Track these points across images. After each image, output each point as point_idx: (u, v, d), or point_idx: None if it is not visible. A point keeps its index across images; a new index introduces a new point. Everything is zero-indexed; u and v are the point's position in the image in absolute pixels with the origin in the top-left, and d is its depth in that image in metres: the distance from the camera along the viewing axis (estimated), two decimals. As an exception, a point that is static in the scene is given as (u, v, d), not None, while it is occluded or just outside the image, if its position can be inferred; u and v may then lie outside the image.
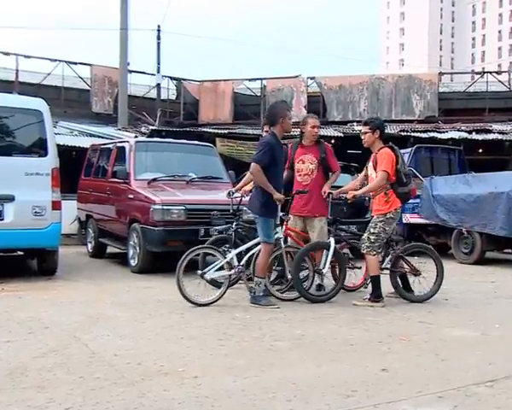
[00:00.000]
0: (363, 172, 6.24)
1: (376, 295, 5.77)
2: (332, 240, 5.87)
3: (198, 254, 6.17)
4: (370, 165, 5.99)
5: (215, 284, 6.06)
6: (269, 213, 5.72)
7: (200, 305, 5.58)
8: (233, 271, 5.80)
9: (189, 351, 3.97)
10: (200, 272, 5.73)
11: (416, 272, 6.10)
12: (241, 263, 5.85)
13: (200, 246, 6.16)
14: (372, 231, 5.81)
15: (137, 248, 7.85)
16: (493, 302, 6.24)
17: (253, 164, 5.72)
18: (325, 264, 5.84)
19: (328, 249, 5.83)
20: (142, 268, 7.84)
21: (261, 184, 5.70)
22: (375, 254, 5.82)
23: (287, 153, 6.57)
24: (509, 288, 7.28)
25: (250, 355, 3.90)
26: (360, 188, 6.12)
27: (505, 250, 10.97)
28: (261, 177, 5.66)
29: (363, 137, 6.04)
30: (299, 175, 6.34)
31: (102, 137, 14.42)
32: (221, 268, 5.79)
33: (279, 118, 5.84)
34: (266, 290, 5.82)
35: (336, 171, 6.45)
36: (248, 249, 5.92)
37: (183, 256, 5.75)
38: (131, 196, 8.23)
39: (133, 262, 8.01)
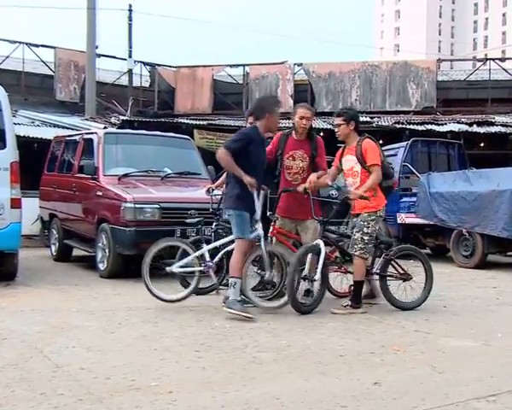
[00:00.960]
0: (333, 167, 6.26)
1: (357, 302, 5.86)
2: (321, 243, 5.83)
3: (166, 249, 6.18)
4: (350, 158, 6.01)
5: (185, 283, 6.24)
6: (242, 206, 5.62)
7: (167, 301, 5.82)
8: (202, 267, 5.91)
9: (163, 364, 3.96)
10: (168, 268, 5.88)
11: (407, 277, 6.14)
12: (214, 260, 5.96)
13: (167, 238, 6.28)
14: (366, 230, 5.81)
15: (107, 251, 7.82)
16: (495, 310, 6.31)
17: (220, 149, 5.74)
18: (317, 269, 5.76)
19: (319, 254, 5.80)
20: (111, 273, 7.80)
21: (229, 168, 5.72)
22: (367, 258, 5.88)
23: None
24: (512, 294, 7.37)
25: (230, 368, 3.90)
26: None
27: (508, 253, 11.11)
28: (227, 160, 5.61)
29: (336, 130, 6.11)
30: (289, 173, 6.25)
31: (68, 128, 14.35)
32: (191, 265, 5.92)
33: (265, 113, 5.81)
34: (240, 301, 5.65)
35: (324, 169, 6.40)
36: (224, 246, 5.98)
37: (149, 249, 5.91)
38: (100, 194, 8.19)
39: (102, 266, 7.97)
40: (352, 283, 6.03)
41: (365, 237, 5.81)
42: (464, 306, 6.44)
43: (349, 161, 6.05)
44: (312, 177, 5.98)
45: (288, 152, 6.25)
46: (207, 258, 5.98)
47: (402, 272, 6.14)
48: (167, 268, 5.92)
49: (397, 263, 6.13)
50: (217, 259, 6.01)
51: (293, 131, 6.34)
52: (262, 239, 5.76)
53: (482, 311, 6.19)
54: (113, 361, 3.99)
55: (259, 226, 5.72)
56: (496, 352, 4.52)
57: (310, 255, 5.78)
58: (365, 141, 5.99)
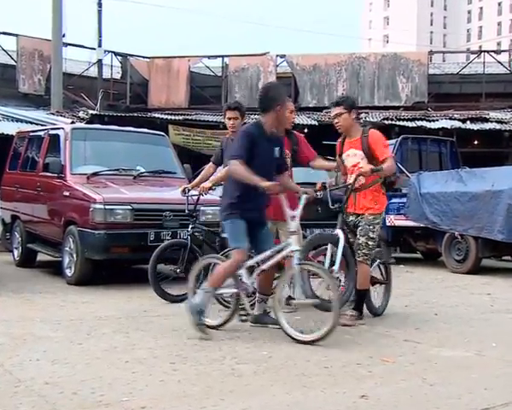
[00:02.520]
0: (334, 164, 6.17)
1: (361, 312, 5.83)
2: (341, 233, 5.54)
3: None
4: (354, 153, 5.77)
5: (225, 303, 5.77)
6: (235, 212, 5.16)
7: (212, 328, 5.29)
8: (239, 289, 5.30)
9: (135, 377, 3.95)
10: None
11: (385, 281, 6.26)
12: (251, 280, 5.28)
13: (212, 256, 5.82)
14: (371, 235, 5.65)
15: (74, 256, 7.77)
16: (490, 318, 6.37)
17: (231, 162, 5.12)
18: (335, 263, 5.46)
19: (337, 244, 5.51)
20: (79, 279, 7.76)
21: (247, 180, 5.00)
22: (370, 264, 5.77)
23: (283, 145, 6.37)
24: (507, 301, 7.45)
25: (208, 381, 3.90)
26: (336, 184, 6.11)
27: (503, 258, 11.24)
28: (242, 171, 5.00)
29: (336, 121, 5.81)
30: None
31: (32, 123, 14.23)
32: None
33: (275, 104, 5.20)
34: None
35: (315, 157, 6.36)
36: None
37: (191, 272, 5.56)
38: (67, 194, 8.15)
39: (69, 272, 7.92)
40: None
41: (370, 243, 5.65)
42: (457, 314, 6.50)
43: (353, 157, 5.81)
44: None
45: None
46: (245, 278, 5.26)
47: (384, 276, 6.22)
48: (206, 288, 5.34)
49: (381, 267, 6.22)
50: (253, 277, 5.32)
51: None
52: (296, 255, 5.09)
53: (476, 319, 6.25)
54: (80, 375, 3.97)
55: (293, 239, 5.15)
56: (490, 363, 4.56)
57: (330, 246, 5.56)
58: (372, 132, 5.74)
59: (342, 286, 5.72)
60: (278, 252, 5.17)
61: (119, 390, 3.67)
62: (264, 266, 5.19)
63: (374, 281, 6.08)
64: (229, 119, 6.84)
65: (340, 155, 5.93)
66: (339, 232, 5.59)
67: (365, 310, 5.96)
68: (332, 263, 5.53)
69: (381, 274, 6.26)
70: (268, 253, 5.16)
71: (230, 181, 5.31)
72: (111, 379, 3.88)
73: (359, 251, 5.67)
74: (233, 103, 7.19)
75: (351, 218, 5.85)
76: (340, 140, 6.03)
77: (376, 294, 6.19)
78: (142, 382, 3.85)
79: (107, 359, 4.39)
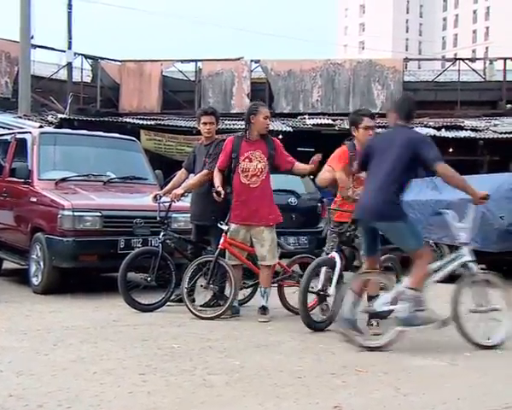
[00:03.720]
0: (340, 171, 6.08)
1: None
2: (337, 256, 5.81)
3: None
4: None
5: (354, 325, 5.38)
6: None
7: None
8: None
9: (103, 389, 3.92)
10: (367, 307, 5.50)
11: None
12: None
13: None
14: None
15: (41, 264, 7.67)
16: (463, 326, 6.43)
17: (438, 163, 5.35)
18: (331, 284, 5.75)
19: (334, 267, 5.79)
20: (46, 288, 7.66)
21: (464, 187, 5.60)
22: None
23: (220, 150, 6.61)
24: (481, 309, 7.52)
25: (178, 392, 3.88)
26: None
27: (478, 266, 11.37)
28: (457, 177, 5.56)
29: (370, 133, 6.07)
30: (246, 176, 6.33)
31: (-2, 127, 14.04)
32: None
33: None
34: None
35: (294, 162, 6.50)
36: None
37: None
38: (34, 200, 8.06)
39: (36, 281, 7.82)
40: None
41: None
42: (431, 323, 6.55)
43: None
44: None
45: (244, 154, 6.34)
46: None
47: None
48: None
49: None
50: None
51: (248, 133, 6.41)
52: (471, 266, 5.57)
53: (449, 328, 6.29)
54: (46, 387, 3.92)
55: (466, 250, 5.58)
56: (463, 372, 4.62)
57: (324, 269, 5.85)
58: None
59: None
60: (450, 262, 5.60)
61: (86, 402, 3.64)
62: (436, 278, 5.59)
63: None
64: (205, 124, 6.88)
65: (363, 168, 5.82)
66: (335, 256, 5.80)
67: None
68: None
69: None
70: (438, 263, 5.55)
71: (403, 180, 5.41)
72: (78, 391, 3.85)
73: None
74: (209, 108, 7.24)
75: (344, 225, 5.97)
76: (354, 151, 6.08)
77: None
78: (110, 393, 3.82)
79: (75, 370, 4.35)
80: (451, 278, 5.71)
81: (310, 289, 5.83)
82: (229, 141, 6.54)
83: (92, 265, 7.82)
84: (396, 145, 5.33)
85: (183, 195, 6.82)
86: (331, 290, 5.75)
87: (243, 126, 6.65)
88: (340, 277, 5.83)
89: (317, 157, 6.24)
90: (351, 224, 5.87)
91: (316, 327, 5.83)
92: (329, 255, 5.88)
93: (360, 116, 6.28)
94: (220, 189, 6.24)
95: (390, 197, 5.32)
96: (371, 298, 5.64)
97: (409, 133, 5.48)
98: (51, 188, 8.03)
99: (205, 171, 6.74)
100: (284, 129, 16.67)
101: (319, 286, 5.87)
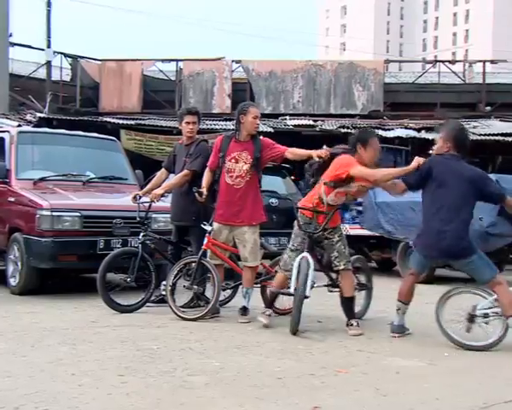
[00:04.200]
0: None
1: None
2: (309, 256, 5.79)
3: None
4: None
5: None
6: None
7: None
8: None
9: (81, 390, 3.89)
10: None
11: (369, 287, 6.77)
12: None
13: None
14: (345, 242, 6.07)
15: (19, 264, 7.64)
16: (443, 327, 6.49)
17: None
18: (306, 286, 5.69)
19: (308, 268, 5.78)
20: (24, 289, 7.63)
21: None
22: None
23: (210, 150, 6.60)
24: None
25: (157, 394, 3.87)
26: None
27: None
28: None
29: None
30: (231, 177, 6.31)
31: (-24, 126, 13.91)
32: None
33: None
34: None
35: (288, 150, 6.50)
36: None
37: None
38: (12, 200, 8.01)
39: (13, 281, 7.78)
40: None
41: (346, 250, 6.04)
42: (411, 323, 6.57)
43: None
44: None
45: (231, 154, 6.34)
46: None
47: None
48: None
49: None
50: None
51: (237, 133, 6.40)
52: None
53: (429, 328, 6.34)
54: (23, 389, 3.89)
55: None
56: (442, 372, 4.65)
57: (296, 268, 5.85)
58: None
59: (285, 307, 6.29)
60: None
61: (64, 404, 3.61)
62: None
63: (361, 286, 6.54)
64: (188, 123, 6.89)
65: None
66: (307, 256, 5.80)
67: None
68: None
69: (359, 281, 6.58)
70: None
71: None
72: (56, 393, 3.82)
73: (340, 261, 5.96)
74: (193, 108, 7.25)
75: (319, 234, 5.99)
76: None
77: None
78: (88, 395, 3.80)
79: (52, 371, 4.32)
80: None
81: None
82: (218, 140, 6.53)
83: (71, 265, 7.79)
84: (460, 180, 5.48)
85: (162, 195, 6.81)
86: (307, 292, 5.71)
87: (224, 127, 6.65)
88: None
89: (326, 152, 6.15)
90: (323, 228, 5.91)
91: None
92: (302, 255, 5.83)
93: (372, 136, 6.27)
94: (204, 190, 6.26)
95: (463, 234, 5.50)
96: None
97: (471, 170, 5.64)
98: (29, 188, 7.98)
99: (185, 171, 6.73)
100: (265, 130, 16.65)
101: (292, 287, 5.78)
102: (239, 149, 6.35)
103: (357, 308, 6.36)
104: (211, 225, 6.32)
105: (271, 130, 16.76)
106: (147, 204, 6.79)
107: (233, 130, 6.60)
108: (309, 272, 5.67)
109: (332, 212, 5.92)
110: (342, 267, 5.96)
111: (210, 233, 6.28)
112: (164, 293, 6.45)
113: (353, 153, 6.02)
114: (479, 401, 3.89)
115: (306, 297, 5.66)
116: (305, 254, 5.79)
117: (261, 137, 6.59)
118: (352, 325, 5.94)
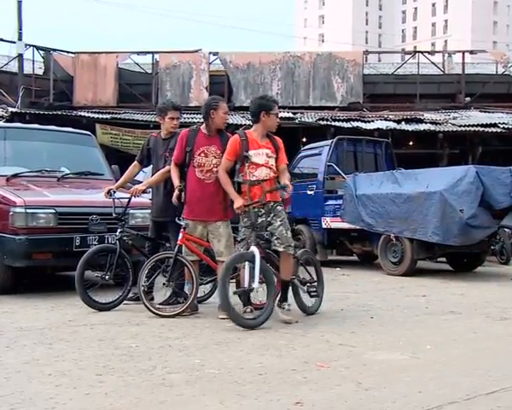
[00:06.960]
0: None
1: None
2: (256, 249, 5.86)
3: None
4: None
5: None
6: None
7: None
8: None
9: (58, 391, 3.86)
10: None
11: (315, 281, 6.71)
12: None
13: None
14: (288, 226, 6.09)
15: (-7, 263, 7.55)
16: (424, 320, 6.55)
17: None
18: (254, 278, 5.80)
19: (254, 261, 5.82)
20: (-2, 288, 7.54)
21: None
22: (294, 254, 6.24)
23: (175, 144, 6.58)
24: (442, 303, 7.67)
25: (136, 393, 3.85)
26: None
27: (438, 259, 11.58)
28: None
29: None
30: (201, 171, 6.32)
31: None
32: None
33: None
34: None
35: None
36: None
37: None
38: (-15, 197, 7.90)
39: (-13, 281, 7.68)
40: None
41: (289, 233, 6.08)
42: (392, 316, 6.65)
43: None
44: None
45: (200, 148, 6.33)
46: None
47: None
48: None
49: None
50: None
51: (204, 127, 6.41)
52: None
53: (411, 321, 6.42)
54: (-1, 390, 3.86)
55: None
56: (424, 365, 4.69)
57: (247, 264, 5.85)
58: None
59: (261, 301, 6.15)
60: None
61: (40, 406, 3.58)
62: None
63: (303, 281, 6.47)
64: (173, 119, 6.88)
65: None
66: (254, 249, 5.86)
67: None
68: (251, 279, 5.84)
69: (310, 274, 6.62)
70: None
71: None
72: (32, 394, 3.78)
73: (284, 244, 6.02)
74: (175, 103, 7.22)
75: (261, 219, 6.05)
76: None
77: (307, 294, 6.47)
78: (65, 395, 3.77)
79: (28, 372, 4.29)
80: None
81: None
82: (183, 134, 6.49)
83: (46, 263, 7.72)
84: None
85: (144, 191, 6.78)
86: (256, 284, 5.80)
87: (202, 120, 6.62)
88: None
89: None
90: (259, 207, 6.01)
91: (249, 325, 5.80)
92: (249, 250, 5.90)
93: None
94: (181, 187, 6.28)
95: None
96: None
97: None
98: (2, 184, 7.89)
99: (167, 167, 6.68)
100: (244, 122, 16.65)
101: (246, 283, 5.84)
102: (207, 144, 6.37)
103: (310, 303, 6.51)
104: (183, 219, 6.31)
105: (250, 123, 16.76)
106: (124, 200, 6.74)
107: (197, 124, 6.63)
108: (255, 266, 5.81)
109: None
110: (282, 249, 6.03)
111: (185, 228, 6.27)
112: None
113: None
114: (461, 393, 3.93)
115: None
116: (252, 247, 5.91)
117: (227, 133, 6.59)
118: (283, 308, 6.16)
